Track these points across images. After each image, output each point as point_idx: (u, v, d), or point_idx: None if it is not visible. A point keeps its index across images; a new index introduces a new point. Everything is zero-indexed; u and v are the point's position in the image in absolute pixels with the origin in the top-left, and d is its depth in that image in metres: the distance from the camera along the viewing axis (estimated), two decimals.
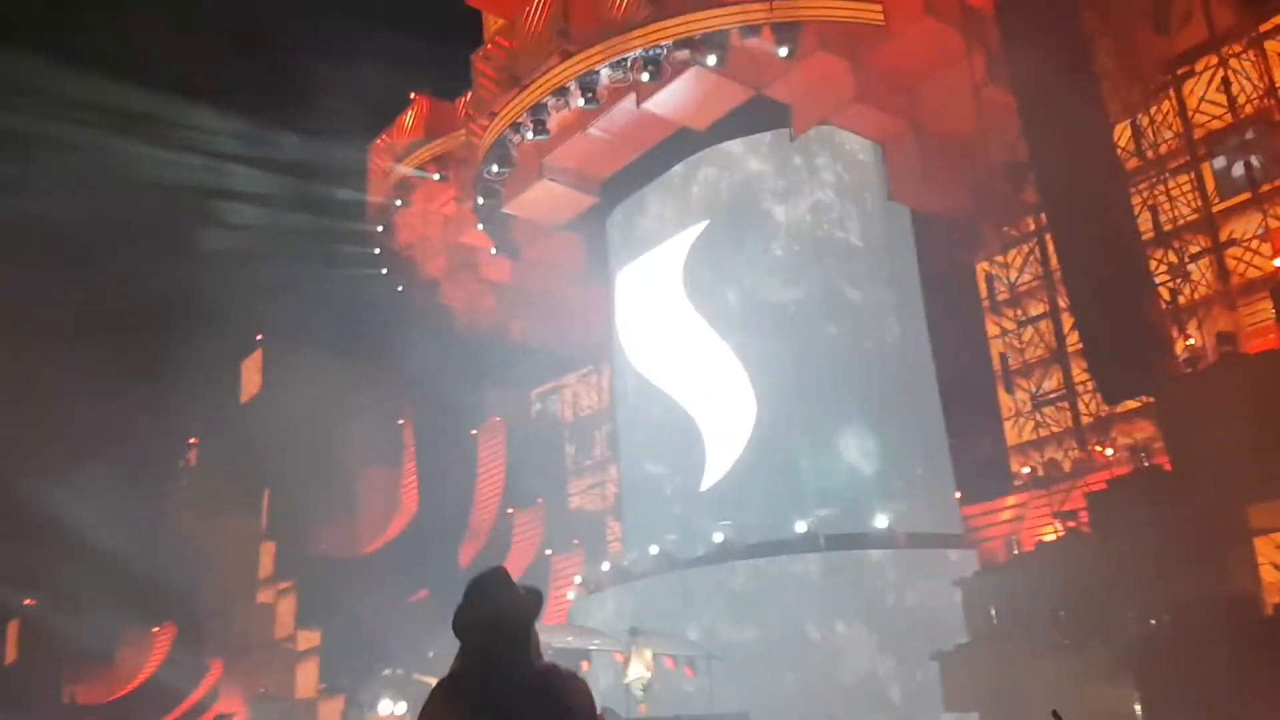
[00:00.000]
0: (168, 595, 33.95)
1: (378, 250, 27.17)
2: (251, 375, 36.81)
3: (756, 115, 21.23)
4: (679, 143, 22.48)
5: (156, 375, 32.58)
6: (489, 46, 23.66)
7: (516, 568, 29.61)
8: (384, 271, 27.31)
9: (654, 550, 21.26)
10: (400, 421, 34.13)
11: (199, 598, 35.09)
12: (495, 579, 3.47)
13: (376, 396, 32.35)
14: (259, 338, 36.00)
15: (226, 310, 30.62)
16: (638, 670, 16.55)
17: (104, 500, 29.84)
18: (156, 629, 37.56)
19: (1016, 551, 17.47)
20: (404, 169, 25.34)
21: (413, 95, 25.73)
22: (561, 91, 20.87)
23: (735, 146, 22.42)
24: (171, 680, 34.28)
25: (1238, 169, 17.88)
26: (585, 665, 17.42)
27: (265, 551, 35.33)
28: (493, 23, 24.51)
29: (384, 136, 26.58)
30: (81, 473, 30.37)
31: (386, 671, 23.80)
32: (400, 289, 27.30)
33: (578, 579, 24.03)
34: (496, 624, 3.37)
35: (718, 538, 19.87)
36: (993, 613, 15.49)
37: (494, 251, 25.35)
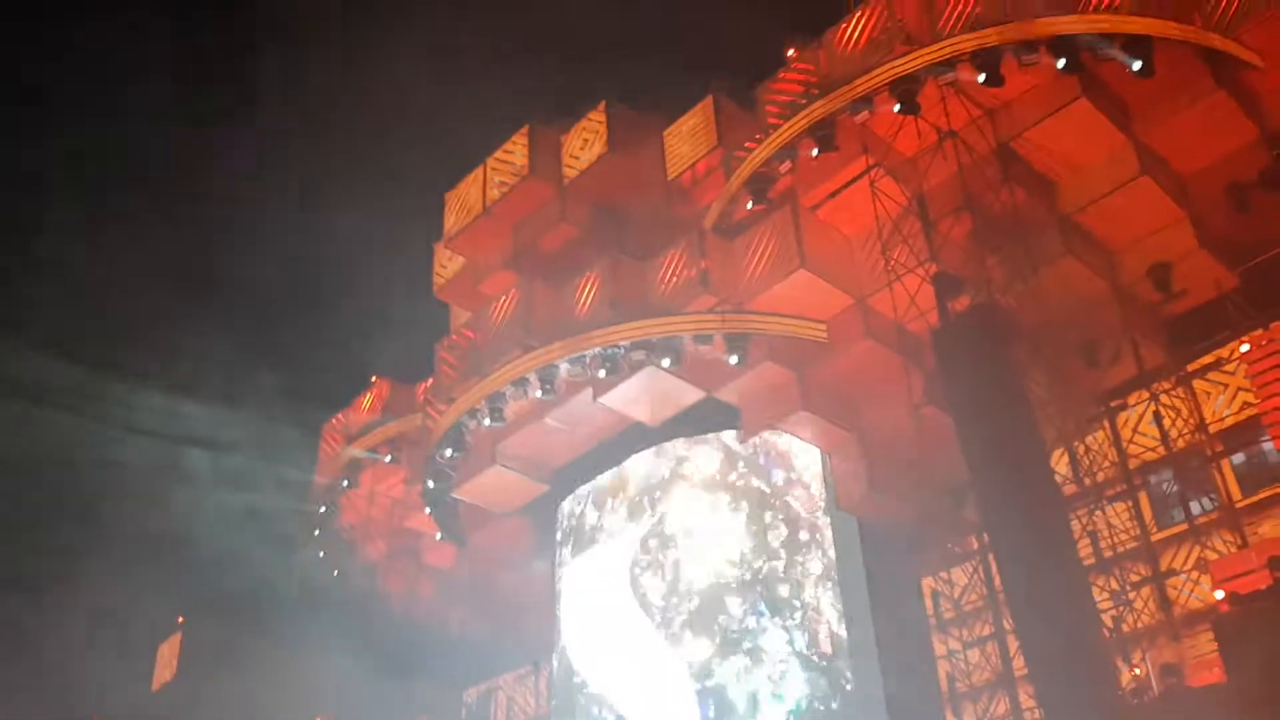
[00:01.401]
0: None
1: (317, 532, 26.53)
2: (167, 660, 34.65)
3: (707, 415, 21.75)
4: (632, 436, 22.81)
5: (65, 655, 30.72)
6: (454, 336, 24.57)
7: None
8: (321, 554, 26.50)
9: None
10: (319, 719, 31.70)
11: None
12: None
13: (297, 689, 30.30)
14: (180, 621, 34.27)
15: (149, 590, 29.34)
16: None
17: None
18: None
19: None
20: (355, 450, 25.37)
21: (374, 379, 26.30)
22: (521, 382, 21.50)
23: (686, 444, 22.71)
24: None
25: (1173, 500, 18.15)
26: None
27: None
28: (460, 314, 25.63)
29: (339, 416, 26.84)
30: None
31: None
32: (336, 573, 26.39)
33: None
34: None
35: None
36: None
37: (439, 537, 24.82)
